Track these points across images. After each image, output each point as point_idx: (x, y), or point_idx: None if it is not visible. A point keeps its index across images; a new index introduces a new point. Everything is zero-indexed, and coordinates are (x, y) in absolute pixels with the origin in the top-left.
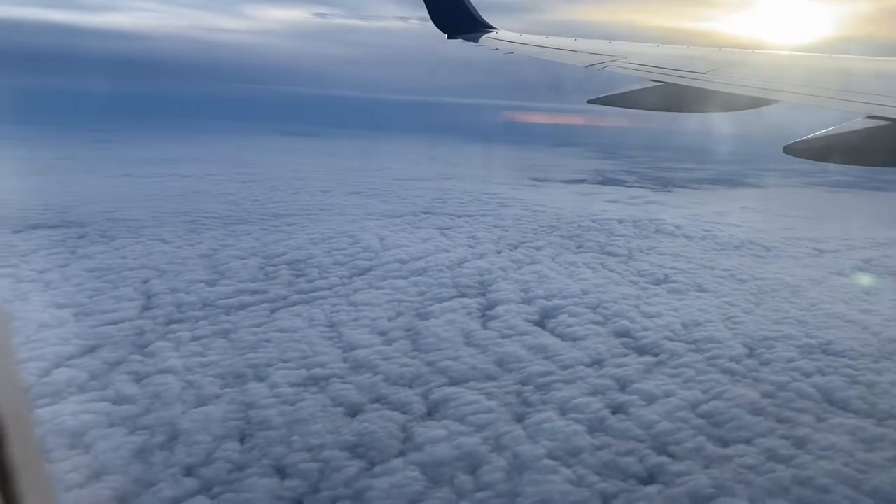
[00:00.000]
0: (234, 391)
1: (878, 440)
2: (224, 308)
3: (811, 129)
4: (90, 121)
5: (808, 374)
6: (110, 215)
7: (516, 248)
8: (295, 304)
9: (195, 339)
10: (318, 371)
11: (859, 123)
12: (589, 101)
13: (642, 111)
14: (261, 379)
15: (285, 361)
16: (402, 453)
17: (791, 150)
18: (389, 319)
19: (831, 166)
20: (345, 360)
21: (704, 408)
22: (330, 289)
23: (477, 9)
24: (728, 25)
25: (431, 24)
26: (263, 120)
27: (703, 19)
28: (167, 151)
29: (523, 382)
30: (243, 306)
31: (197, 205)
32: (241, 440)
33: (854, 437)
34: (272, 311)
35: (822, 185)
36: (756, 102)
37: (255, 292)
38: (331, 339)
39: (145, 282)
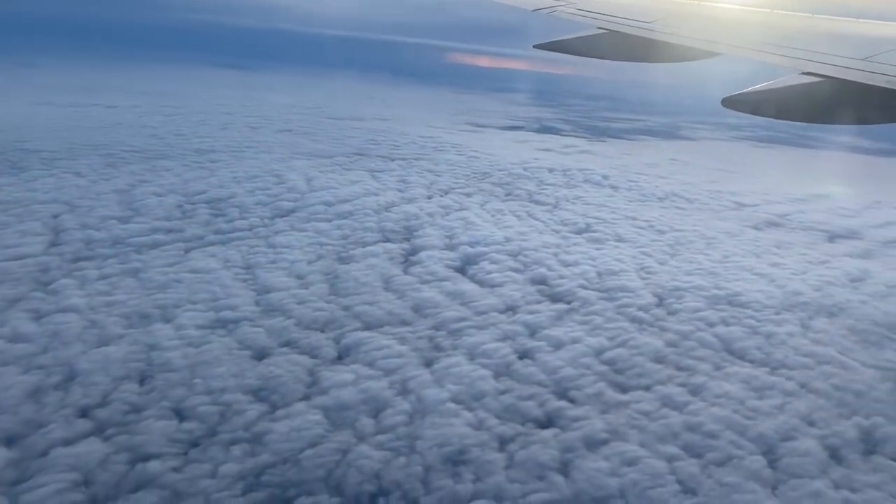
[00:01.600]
0: (138, 332)
1: (769, 388)
2: (135, 246)
3: (750, 83)
4: (6, 43)
5: (712, 324)
6: (22, 145)
7: (447, 193)
8: (211, 244)
9: (102, 277)
10: (227, 314)
11: (795, 79)
12: (535, 47)
13: (587, 58)
14: (167, 320)
15: (194, 303)
16: (306, 397)
17: (729, 102)
18: (309, 262)
19: (764, 121)
20: (257, 304)
21: (609, 355)
22: (250, 230)
23: None
24: None
25: None
26: (194, 51)
27: None
28: (90, 80)
29: (437, 328)
30: (156, 245)
31: (117, 137)
32: (141, 382)
33: (747, 385)
34: (186, 251)
35: (751, 140)
36: (698, 54)
37: (169, 231)
38: (245, 281)
39: (55, 216)
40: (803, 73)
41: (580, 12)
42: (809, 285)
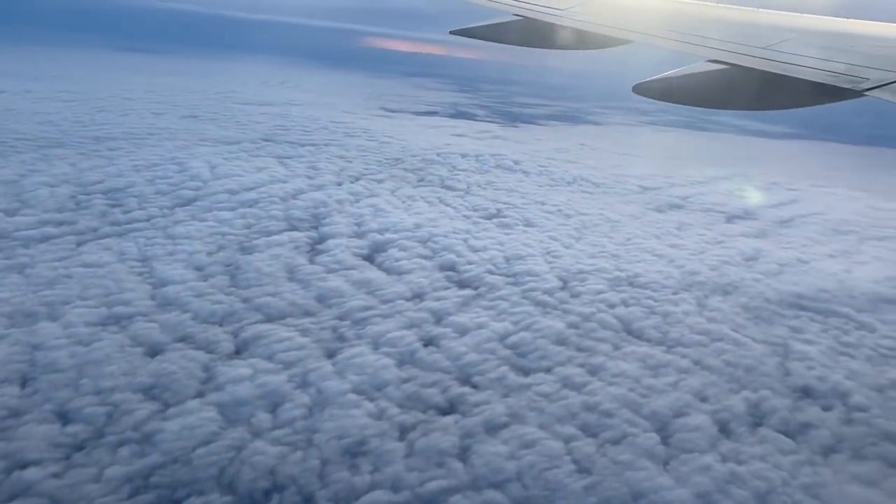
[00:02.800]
0: (21, 332)
1: (664, 366)
2: (23, 240)
3: (659, 70)
4: None
5: (612, 306)
6: None
7: (357, 180)
8: (106, 236)
9: None
10: (120, 309)
11: (701, 66)
12: (451, 32)
13: (503, 44)
14: (54, 318)
15: (85, 299)
16: (200, 394)
17: (639, 89)
18: (209, 254)
19: (672, 106)
20: (153, 298)
21: (513, 339)
22: (147, 220)
23: None
24: None
25: None
26: (96, 33)
27: None
28: None
29: (341, 318)
30: (45, 238)
31: (8, 124)
32: (23, 384)
33: (643, 363)
34: (78, 245)
35: (659, 125)
36: (610, 41)
37: (61, 223)
38: (141, 274)
39: None
40: (710, 61)
41: None
42: (706, 265)
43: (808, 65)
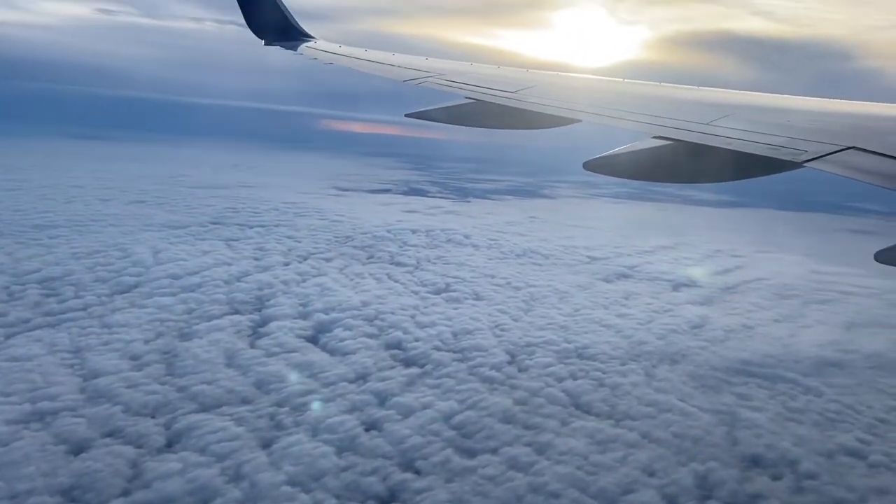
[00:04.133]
0: None
1: (612, 441)
2: None
3: (608, 147)
4: None
5: (560, 379)
6: None
7: (305, 259)
8: (38, 327)
9: None
10: (45, 405)
11: (647, 143)
12: (406, 115)
13: (457, 125)
14: None
15: (7, 395)
16: (125, 492)
17: (589, 166)
18: (146, 342)
19: (621, 179)
20: (82, 391)
21: (458, 419)
22: (84, 309)
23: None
24: (521, 43)
25: (231, 27)
26: (46, 122)
27: (497, 37)
28: None
29: (280, 404)
30: None
31: None
32: None
33: (591, 439)
34: (7, 338)
35: (606, 197)
36: (560, 121)
37: None
38: (72, 366)
39: None
40: (655, 137)
41: (448, 83)
42: (654, 334)
43: (748, 139)
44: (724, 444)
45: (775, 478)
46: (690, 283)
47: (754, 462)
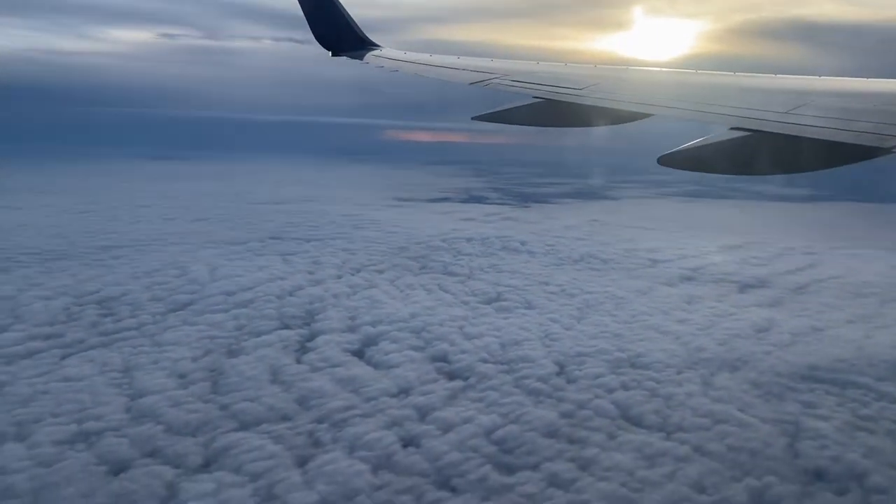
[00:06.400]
0: None
1: (661, 455)
2: (7, 357)
3: (682, 141)
4: None
5: (610, 390)
6: None
7: (358, 272)
8: (92, 347)
9: None
10: (91, 425)
11: (724, 135)
12: (473, 118)
13: (524, 126)
14: (21, 438)
15: (56, 416)
16: None
17: (664, 160)
18: (194, 359)
19: (693, 176)
20: (128, 410)
21: (499, 433)
22: (137, 328)
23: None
24: (582, 42)
25: (287, 44)
26: (117, 144)
27: (556, 38)
28: (2, 182)
29: (319, 420)
30: (30, 354)
31: (18, 240)
32: None
33: (639, 454)
34: (62, 358)
35: (674, 196)
36: (632, 116)
37: (49, 337)
38: (120, 386)
39: None
40: (732, 129)
41: (515, 83)
42: (714, 339)
43: (831, 126)
44: (784, 456)
45: (840, 493)
46: (758, 284)
47: (817, 476)
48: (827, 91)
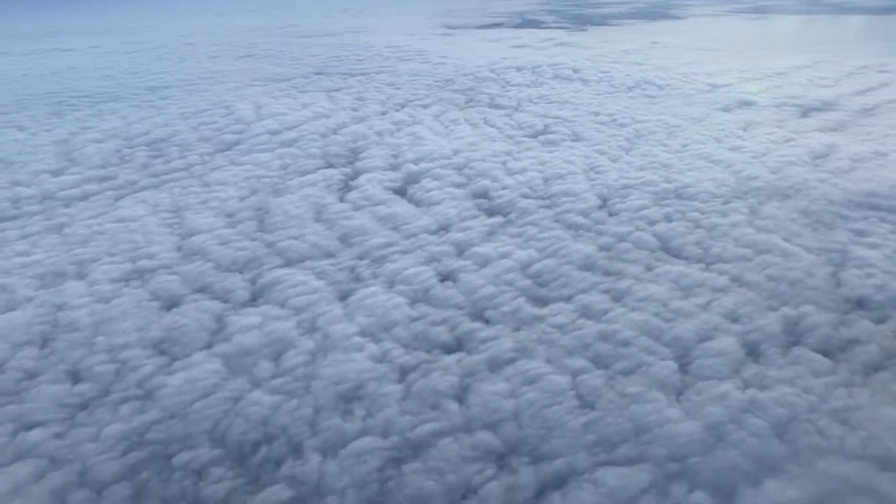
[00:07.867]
0: (48, 292)
1: (698, 286)
2: (64, 200)
3: None
4: None
5: (653, 222)
6: None
7: (403, 107)
8: (143, 189)
9: (24, 237)
10: (145, 263)
11: None
12: None
13: None
14: (81, 277)
15: (112, 255)
16: (208, 346)
17: None
18: (241, 199)
19: None
20: (179, 249)
21: (535, 267)
22: (186, 169)
23: None
24: None
25: None
26: None
27: None
28: (52, 23)
29: (360, 257)
30: (86, 196)
31: (69, 83)
32: (42, 345)
33: (675, 284)
34: (116, 200)
35: (744, 13)
36: None
37: (103, 179)
38: (171, 225)
39: None
40: None
41: None
42: (768, 167)
43: None
44: (825, 286)
45: (879, 321)
46: (823, 107)
47: (858, 304)
48: None
